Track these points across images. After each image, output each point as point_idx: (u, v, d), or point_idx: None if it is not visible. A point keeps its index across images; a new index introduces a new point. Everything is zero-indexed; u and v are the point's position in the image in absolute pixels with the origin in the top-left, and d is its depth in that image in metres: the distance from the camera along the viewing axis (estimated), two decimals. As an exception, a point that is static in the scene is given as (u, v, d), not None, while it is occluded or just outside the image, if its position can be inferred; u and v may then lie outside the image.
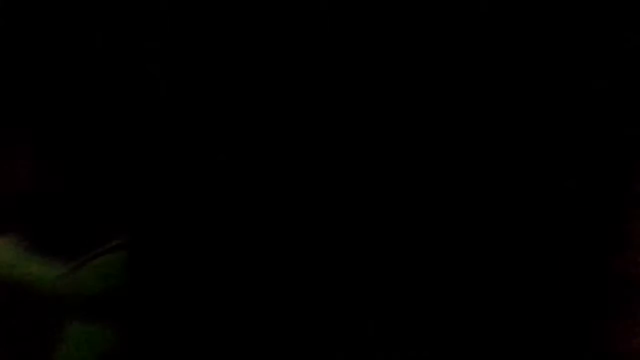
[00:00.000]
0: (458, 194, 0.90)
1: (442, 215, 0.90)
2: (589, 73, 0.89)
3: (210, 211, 0.96)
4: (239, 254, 0.95)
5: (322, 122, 0.93)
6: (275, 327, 0.91)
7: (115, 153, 1.01)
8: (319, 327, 0.91)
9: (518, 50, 0.90)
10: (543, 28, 0.89)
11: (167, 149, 0.97)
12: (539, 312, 0.89)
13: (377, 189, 0.92)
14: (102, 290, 1.00)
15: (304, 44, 0.92)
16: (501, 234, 0.90)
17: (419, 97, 0.91)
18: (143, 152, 0.98)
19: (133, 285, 1.00)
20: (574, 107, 0.90)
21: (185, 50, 0.93)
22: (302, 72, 0.92)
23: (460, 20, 0.90)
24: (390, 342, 0.90)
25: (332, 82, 0.92)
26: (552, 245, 0.90)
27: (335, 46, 0.92)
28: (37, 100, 1.03)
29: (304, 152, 0.93)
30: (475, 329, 0.89)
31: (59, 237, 1.03)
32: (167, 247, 1.00)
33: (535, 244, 0.90)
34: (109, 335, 0.99)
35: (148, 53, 0.94)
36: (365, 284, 0.91)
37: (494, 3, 0.89)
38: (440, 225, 0.90)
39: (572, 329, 0.88)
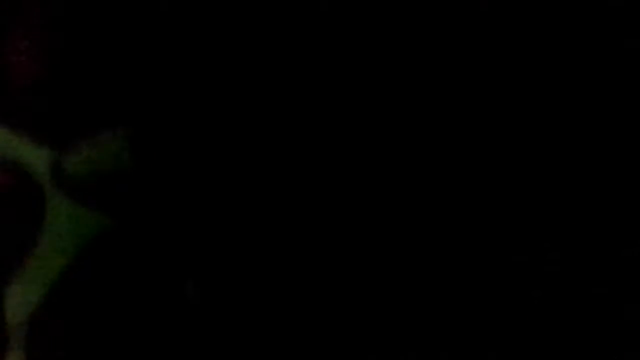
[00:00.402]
0: (457, 193, 0.90)
1: (442, 215, 0.90)
2: (590, 72, 0.90)
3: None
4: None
5: (320, 122, 0.92)
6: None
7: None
8: (317, 326, 0.90)
9: (520, 50, 0.90)
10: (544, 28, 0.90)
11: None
12: (538, 312, 0.88)
13: (376, 188, 0.91)
14: (91, 176, 0.94)
15: (304, 43, 0.92)
16: (500, 234, 0.89)
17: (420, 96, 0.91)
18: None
19: (132, 170, 0.93)
20: (574, 107, 0.90)
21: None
22: (302, 72, 0.93)
23: (461, 20, 0.91)
24: (390, 342, 0.88)
25: (331, 81, 0.92)
26: (551, 245, 0.89)
27: (335, 46, 0.92)
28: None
29: (304, 151, 0.93)
30: (475, 329, 0.88)
31: (56, 127, 0.96)
32: (170, 133, 0.93)
33: (535, 244, 0.89)
34: (98, 220, 0.93)
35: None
36: (364, 284, 0.90)
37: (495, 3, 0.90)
38: (440, 225, 0.90)
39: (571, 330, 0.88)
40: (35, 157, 0.94)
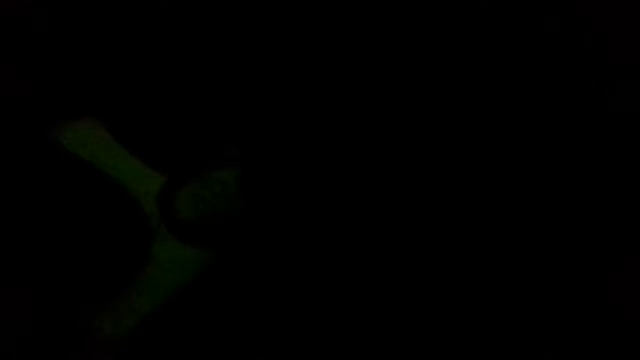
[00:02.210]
0: (456, 193, 0.91)
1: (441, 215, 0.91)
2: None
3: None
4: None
5: (323, 122, 0.93)
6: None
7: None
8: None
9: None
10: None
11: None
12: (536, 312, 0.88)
13: (377, 188, 0.92)
14: (201, 216, 0.92)
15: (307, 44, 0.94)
16: (498, 234, 0.90)
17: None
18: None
19: (239, 211, 0.90)
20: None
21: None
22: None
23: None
24: (390, 342, 0.87)
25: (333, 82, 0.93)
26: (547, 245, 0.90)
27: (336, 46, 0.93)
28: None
29: (306, 151, 0.93)
30: (475, 329, 0.88)
31: (165, 144, 0.95)
32: (280, 169, 0.91)
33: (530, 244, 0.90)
34: (201, 259, 0.90)
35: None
36: (366, 284, 0.89)
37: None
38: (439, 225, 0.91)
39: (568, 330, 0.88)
40: (146, 183, 0.92)
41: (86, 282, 0.87)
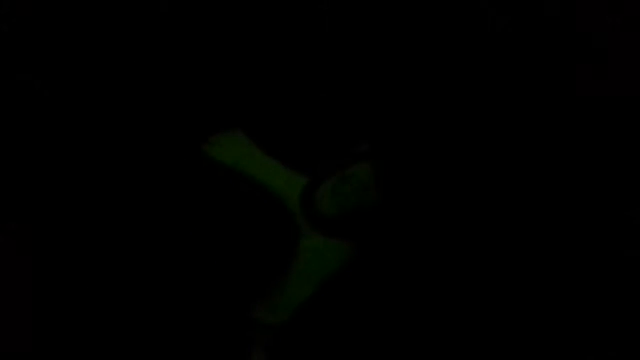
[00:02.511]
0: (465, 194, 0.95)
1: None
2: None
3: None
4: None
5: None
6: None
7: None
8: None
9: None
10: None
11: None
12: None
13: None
14: (341, 212, 0.99)
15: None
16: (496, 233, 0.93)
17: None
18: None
19: (375, 202, 0.99)
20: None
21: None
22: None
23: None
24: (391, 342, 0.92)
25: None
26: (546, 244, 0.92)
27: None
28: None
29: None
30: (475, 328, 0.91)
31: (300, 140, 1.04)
32: (411, 164, 0.99)
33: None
34: (343, 251, 0.98)
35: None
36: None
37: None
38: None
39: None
40: (289, 185, 1.02)
41: (244, 277, 0.98)
